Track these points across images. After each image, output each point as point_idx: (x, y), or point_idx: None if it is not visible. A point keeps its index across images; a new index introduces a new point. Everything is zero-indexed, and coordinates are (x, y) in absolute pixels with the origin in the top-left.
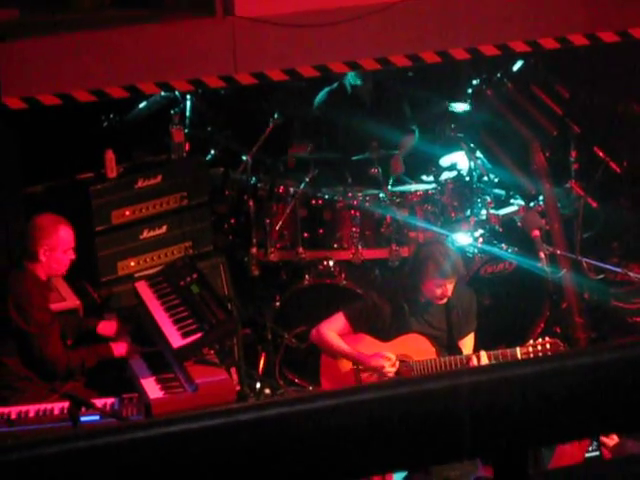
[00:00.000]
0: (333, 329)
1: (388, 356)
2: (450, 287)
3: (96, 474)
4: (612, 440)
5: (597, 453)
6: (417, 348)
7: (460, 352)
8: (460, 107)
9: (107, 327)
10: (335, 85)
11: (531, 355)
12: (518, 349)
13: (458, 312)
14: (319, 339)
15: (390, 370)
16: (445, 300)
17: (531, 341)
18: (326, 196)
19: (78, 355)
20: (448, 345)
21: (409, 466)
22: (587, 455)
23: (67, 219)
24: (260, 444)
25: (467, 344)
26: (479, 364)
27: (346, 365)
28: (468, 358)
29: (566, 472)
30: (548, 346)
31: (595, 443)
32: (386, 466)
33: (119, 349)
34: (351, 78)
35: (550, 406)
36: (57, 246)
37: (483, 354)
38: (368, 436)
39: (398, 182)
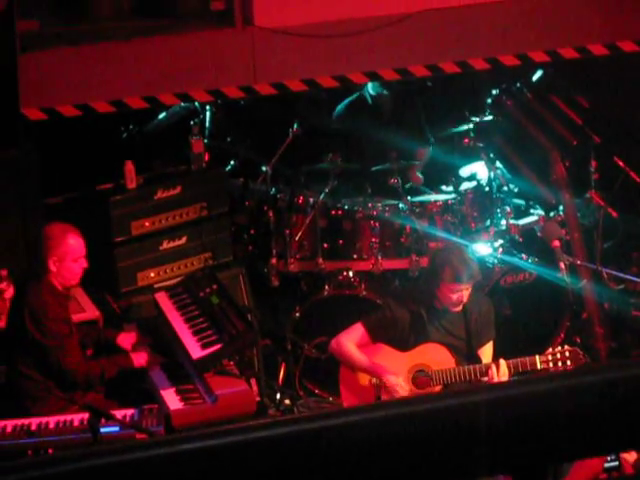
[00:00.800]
0: (352, 340)
1: (401, 384)
2: (466, 293)
3: None
4: (632, 456)
5: (616, 463)
6: (436, 357)
7: (479, 361)
8: (480, 117)
9: (127, 338)
10: (355, 96)
11: (550, 364)
12: (537, 357)
13: (476, 320)
14: (338, 351)
15: (400, 392)
16: (461, 307)
17: (550, 349)
18: (346, 206)
19: (98, 365)
20: (467, 354)
21: None
22: (606, 465)
23: (86, 229)
24: (273, 462)
25: (486, 353)
26: (498, 373)
27: (365, 376)
28: (487, 367)
29: None
30: (567, 354)
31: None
32: None
33: (139, 359)
34: (371, 88)
35: (570, 422)
36: (66, 255)
37: (502, 363)
38: (386, 453)
39: (417, 192)
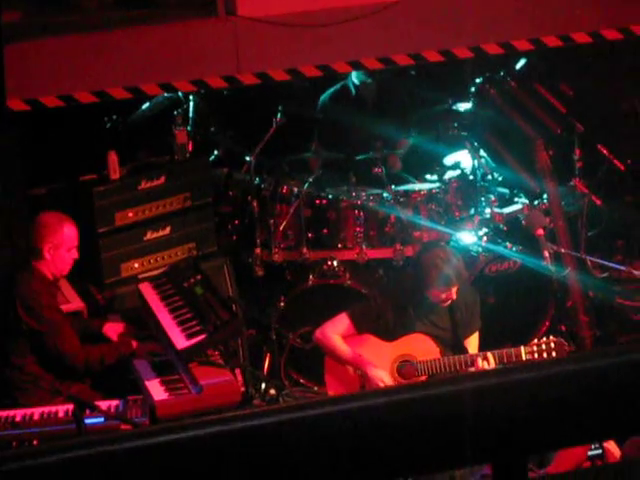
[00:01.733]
0: (337, 331)
1: (383, 378)
2: (454, 291)
3: None
4: (614, 449)
5: (600, 451)
6: (421, 348)
7: (466, 351)
8: (463, 106)
9: (113, 328)
10: (338, 85)
11: (535, 355)
12: (522, 348)
13: (462, 311)
14: (322, 341)
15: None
16: (449, 302)
17: (535, 340)
18: (330, 196)
19: (98, 350)
20: (453, 344)
21: (410, 473)
22: (590, 453)
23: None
24: (259, 452)
25: (472, 343)
26: (483, 364)
27: (350, 369)
28: (473, 358)
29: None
30: (552, 345)
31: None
32: (386, 473)
33: (141, 348)
34: (355, 77)
35: (552, 411)
36: (61, 244)
37: (489, 355)
38: (369, 442)
39: (400, 181)
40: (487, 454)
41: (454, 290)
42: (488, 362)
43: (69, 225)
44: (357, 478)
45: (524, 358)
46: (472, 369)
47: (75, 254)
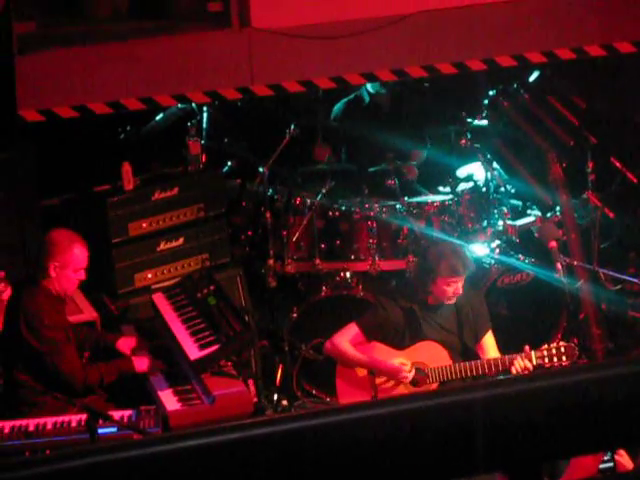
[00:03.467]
0: (346, 339)
1: (403, 362)
2: (461, 285)
3: None
4: (620, 456)
5: (611, 464)
6: (431, 355)
7: (476, 355)
8: (476, 118)
9: (127, 343)
10: (352, 96)
11: (546, 359)
12: (533, 353)
13: (468, 314)
14: (333, 351)
15: (406, 376)
16: (454, 299)
17: (546, 345)
18: (343, 207)
19: (97, 370)
20: (462, 350)
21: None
22: (601, 466)
23: (84, 231)
24: (273, 459)
25: (489, 343)
26: (496, 369)
27: (361, 373)
28: (483, 365)
29: None
30: (563, 350)
31: (609, 454)
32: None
33: (141, 365)
34: (370, 87)
35: (564, 420)
36: (69, 264)
37: (499, 362)
38: (382, 451)
39: (414, 192)
40: (499, 462)
41: (460, 283)
42: (495, 371)
43: (79, 246)
44: None
45: (534, 362)
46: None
47: (82, 275)
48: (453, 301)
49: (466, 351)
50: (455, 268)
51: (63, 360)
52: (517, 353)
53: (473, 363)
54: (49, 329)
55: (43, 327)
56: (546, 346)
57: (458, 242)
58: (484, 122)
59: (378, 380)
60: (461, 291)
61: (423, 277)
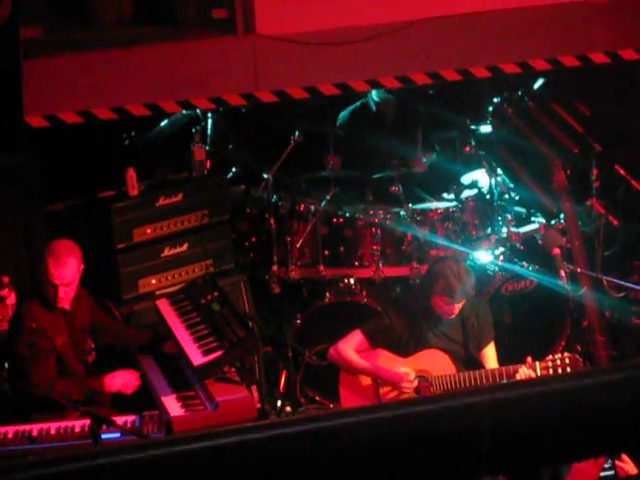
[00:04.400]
0: (350, 346)
1: (407, 372)
2: (458, 307)
3: None
4: (625, 463)
5: (612, 472)
6: (436, 363)
7: (480, 365)
8: (481, 125)
9: (113, 382)
10: (358, 103)
11: (550, 370)
12: (537, 364)
13: (474, 324)
14: (337, 357)
15: (408, 386)
16: (453, 317)
17: (550, 356)
18: (347, 214)
19: (65, 386)
20: (466, 359)
21: None
22: (602, 474)
23: (88, 236)
24: (274, 463)
25: (489, 354)
26: (500, 378)
27: (365, 381)
28: (487, 375)
29: None
30: (567, 361)
31: (610, 462)
32: None
33: (111, 384)
34: (375, 94)
35: (567, 424)
36: (46, 276)
37: (504, 372)
38: (386, 454)
39: (418, 200)
40: (503, 465)
41: (457, 306)
42: (499, 381)
43: (52, 262)
44: None
45: (539, 373)
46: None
47: (61, 292)
48: (451, 318)
49: (471, 360)
50: (450, 291)
51: (36, 367)
52: (521, 363)
53: (477, 372)
54: (32, 333)
55: (25, 329)
56: (550, 357)
57: (464, 250)
58: (488, 129)
59: (382, 389)
60: (455, 314)
61: (424, 289)
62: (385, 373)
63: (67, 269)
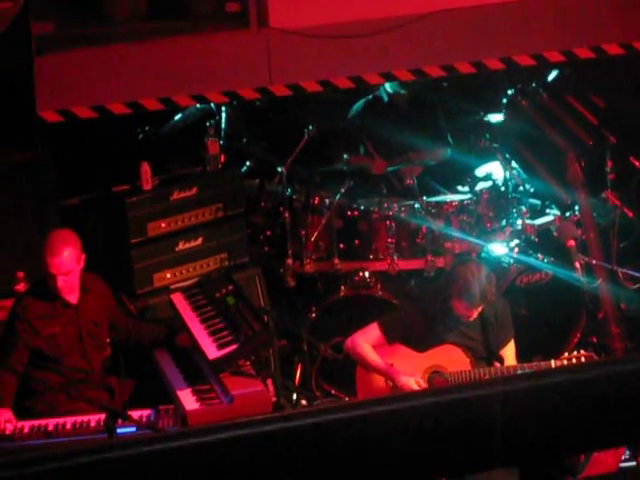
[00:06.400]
0: (367, 340)
1: (419, 381)
2: (476, 312)
3: None
4: None
5: (633, 463)
6: (452, 359)
7: (502, 361)
8: (495, 117)
9: None
10: (371, 96)
11: None
12: (553, 362)
13: (493, 323)
14: (353, 350)
15: None
16: (471, 319)
17: (566, 354)
18: (362, 207)
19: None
20: (486, 356)
21: (441, 475)
22: (622, 465)
23: (103, 231)
24: (289, 455)
25: (508, 354)
26: None
27: (381, 377)
28: (502, 371)
29: None
30: (583, 359)
31: (628, 452)
32: (419, 475)
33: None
34: (388, 86)
35: (581, 414)
36: (45, 270)
37: (519, 369)
38: (400, 445)
39: (432, 192)
40: (517, 457)
41: (476, 311)
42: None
43: (49, 255)
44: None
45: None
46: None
47: (61, 282)
48: (469, 321)
49: (490, 358)
50: (469, 297)
51: (11, 354)
52: (536, 360)
53: (492, 369)
54: (21, 321)
55: (17, 316)
56: (566, 355)
57: (479, 243)
58: (502, 120)
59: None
60: (474, 318)
61: (444, 290)
62: (396, 378)
63: (62, 258)
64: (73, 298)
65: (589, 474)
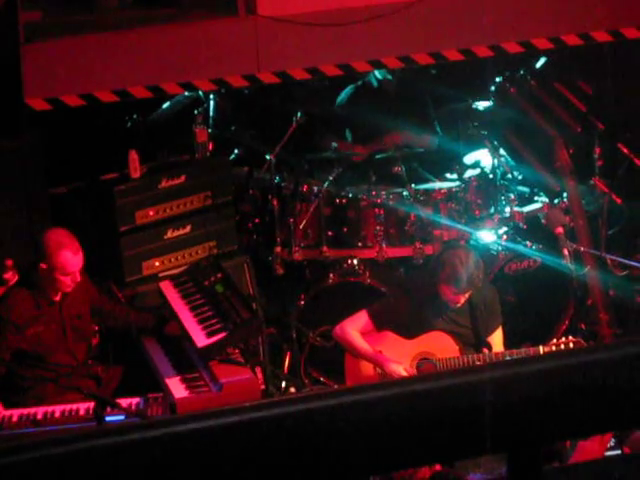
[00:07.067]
0: (356, 327)
1: (406, 368)
2: (463, 298)
3: (117, 471)
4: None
5: (618, 451)
6: (441, 346)
7: (490, 347)
8: (483, 105)
9: None
10: (360, 82)
11: None
12: (541, 348)
13: (482, 310)
14: (342, 337)
15: None
16: (459, 305)
17: (554, 340)
18: (350, 195)
19: None
20: (474, 343)
21: (430, 461)
22: (608, 453)
23: (91, 219)
24: (280, 441)
25: (496, 340)
26: None
27: (370, 365)
28: (491, 357)
29: (580, 467)
30: (571, 345)
31: (614, 440)
32: (407, 462)
33: None
34: (377, 73)
35: (570, 400)
36: (56, 268)
37: (507, 355)
38: (388, 432)
39: (420, 180)
40: (506, 443)
41: (463, 296)
42: None
43: (67, 252)
44: (376, 467)
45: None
46: None
47: (76, 277)
48: (457, 306)
49: (479, 345)
50: (456, 281)
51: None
52: (524, 346)
53: (481, 355)
54: (6, 309)
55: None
56: (555, 341)
57: (467, 230)
58: (490, 106)
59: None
60: (461, 303)
61: (431, 275)
62: (385, 365)
63: (81, 255)
64: (57, 295)
65: (575, 460)
